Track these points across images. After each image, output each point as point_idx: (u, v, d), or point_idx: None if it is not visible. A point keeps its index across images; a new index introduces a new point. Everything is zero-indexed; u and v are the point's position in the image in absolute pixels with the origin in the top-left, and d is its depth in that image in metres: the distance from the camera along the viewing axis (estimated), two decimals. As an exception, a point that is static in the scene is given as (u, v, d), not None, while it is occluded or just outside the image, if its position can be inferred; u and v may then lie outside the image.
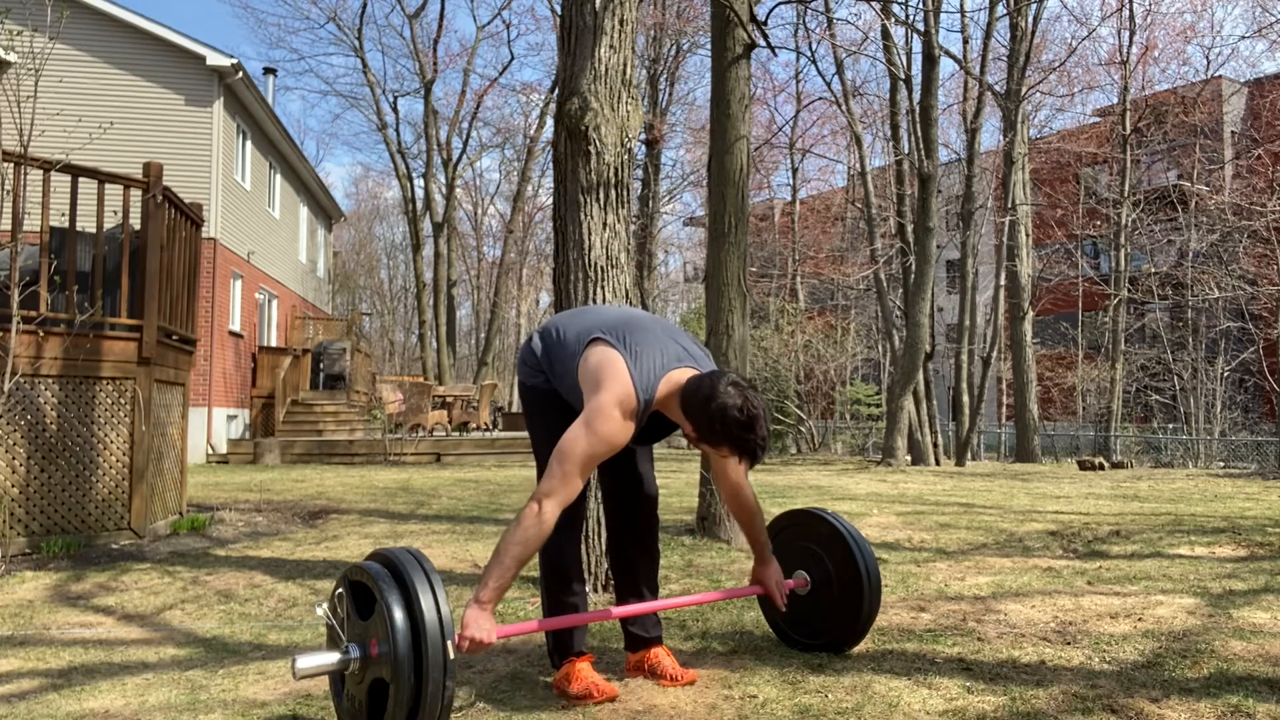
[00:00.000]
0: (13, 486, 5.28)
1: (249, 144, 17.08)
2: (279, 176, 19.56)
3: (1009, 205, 17.86)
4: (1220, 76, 26.15)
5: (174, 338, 6.32)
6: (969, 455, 17.28)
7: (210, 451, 14.66)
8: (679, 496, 7.22)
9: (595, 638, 3.28)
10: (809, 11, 18.34)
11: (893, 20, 16.07)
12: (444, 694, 2.11)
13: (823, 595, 3.02)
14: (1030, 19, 17.82)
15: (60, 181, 5.48)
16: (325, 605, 2.39)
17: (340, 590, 2.35)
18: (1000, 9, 16.84)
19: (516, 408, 37.70)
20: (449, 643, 2.13)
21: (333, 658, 2.26)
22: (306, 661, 2.21)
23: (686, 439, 2.66)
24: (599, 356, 2.55)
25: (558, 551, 2.73)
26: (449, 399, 18.87)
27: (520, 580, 4.41)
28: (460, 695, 2.67)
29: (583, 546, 2.92)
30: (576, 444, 2.44)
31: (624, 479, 2.88)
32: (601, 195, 4.14)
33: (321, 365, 19.02)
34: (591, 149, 4.10)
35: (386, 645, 2.14)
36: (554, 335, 2.77)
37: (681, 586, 4.23)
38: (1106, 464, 14.11)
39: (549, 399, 2.79)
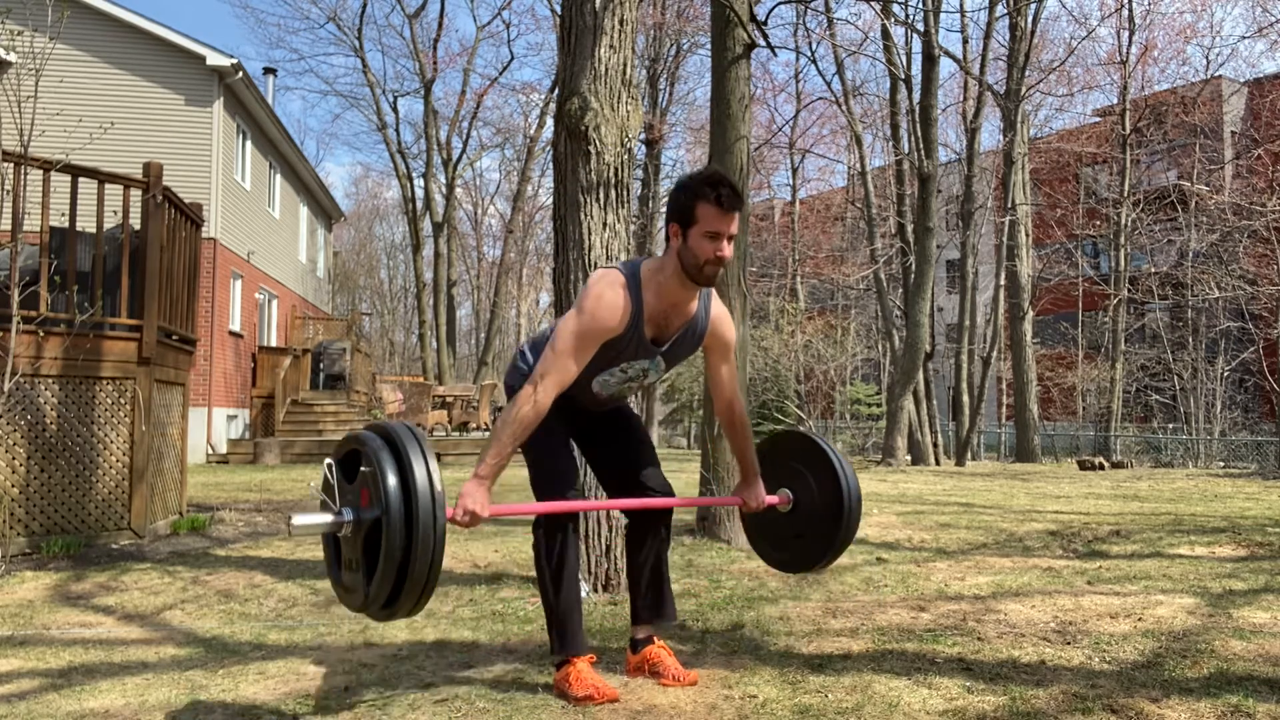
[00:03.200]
0: (13, 486, 5.28)
1: (249, 144, 17.08)
2: (279, 176, 19.56)
3: (1009, 205, 17.86)
4: (1220, 76, 26.13)
5: (174, 338, 6.32)
6: (969, 455, 17.28)
7: (210, 451, 14.66)
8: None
9: (595, 637, 3.28)
10: (809, 11, 18.35)
11: (893, 20, 16.07)
12: (435, 542, 2.16)
13: (804, 514, 3.05)
14: (1030, 19, 17.82)
15: (60, 181, 5.48)
16: (317, 483, 2.46)
17: (330, 462, 2.41)
18: (1000, 9, 16.85)
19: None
20: (435, 475, 2.19)
21: (326, 517, 2.33)
22: (302, 519, 2.29)
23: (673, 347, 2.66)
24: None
25: (555, 549, 2.71)
26: (449, 399, 18.88)
27: (520, 581, 4.41)
28: (460, 695, 2.68)
29: (582, 545, 2.92)
30: (566, 324, 2.53)
31: (630, 476, 2.86)
32: (601, 195, 4.14)
33: (321, 365, 19.02)
34: (591, 149, 4.10)
35: (377, 500, 2.19)
36: (539, 336, 2.85)
37: (681, 586, 4.23)
38: (1106, 464, 14.11)
39: None
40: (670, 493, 2.88)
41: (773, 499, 3.02)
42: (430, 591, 2.23)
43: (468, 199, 39.32)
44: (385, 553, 2.17)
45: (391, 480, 2.18)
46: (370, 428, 2.37)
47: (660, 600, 2.88)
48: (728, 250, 2.50)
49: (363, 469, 2.28)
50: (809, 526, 3.03)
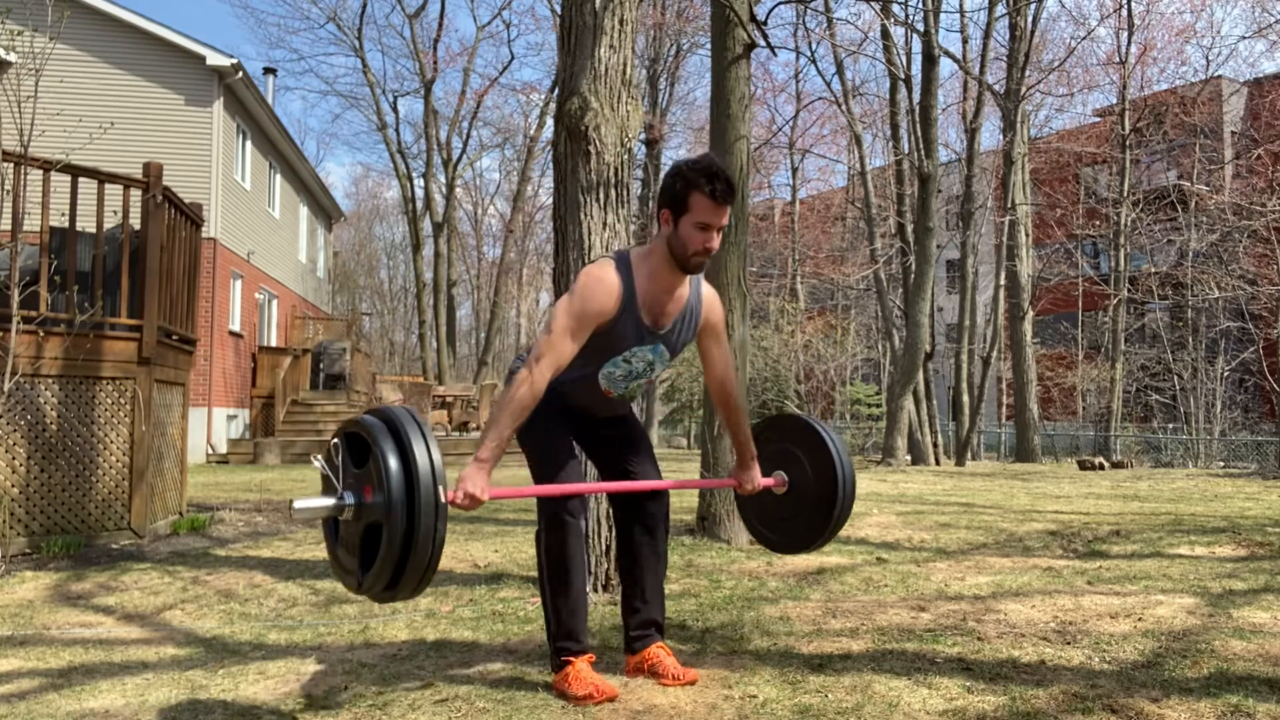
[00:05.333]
0: (13, 486, 5.28)
1: (249, 144, 17.08)
2: (279, 176, 19.55)
3: (1009, 205, 17.87)
4: (1220, 76, 26.13)
5: (174, 338, 6.32)
6: (969, 455, 17.28)
7: (210, 451, 14.66)
8: (679, 496, 7.22)
9: (595, 637, 3.27)
10: (809, 11, 18.35)
11: (892, 20, 16.07)
12: (435, 535, 2.18)
13: (798, 497, 3.07)
14: (1029, 19, 17.83)
15: (60, 181, 5.48)
16: (320, 457, 2.45)
17: (336, 441, 2.40)
18: (999, 9, 16.85)
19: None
20: (440, 487, 2.19)
21: (328, 501, 2.33)
22: (304, 503, 2.29)
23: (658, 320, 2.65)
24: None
25: (560, 547, 2.70)
26: (449, 399, 18.88)
27: (520, 581, 4.41)
28: (460, 695, 2.68)
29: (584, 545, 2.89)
30: (560, 306, 2.56)
31: (631, 479, 2.88)
32: (601, 195, 4.14)
33: (321, 365, 19.03)
34: (591, 149, 4.10)
35: (380, 489, 2.19)
36: None
37: (681, 587, 4.23)
38: (1106, 464, 14.11)
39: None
40: (666, 496, 2.89)
41: (768, 481, 3.04)
42: (429, 579, 2.24)
43: (468, 199, 39.35)
44: (386, 543, 2.18)
45: (394, 468, 2.18)
46: (373, 412, 2.38)
47: (654, 620, 2.85)
48: (716, 241, 2.57)
49: (364, 467, 2.28)
50: (803, 509, 3.06)
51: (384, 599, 2.30)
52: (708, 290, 2.81)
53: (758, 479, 2.97)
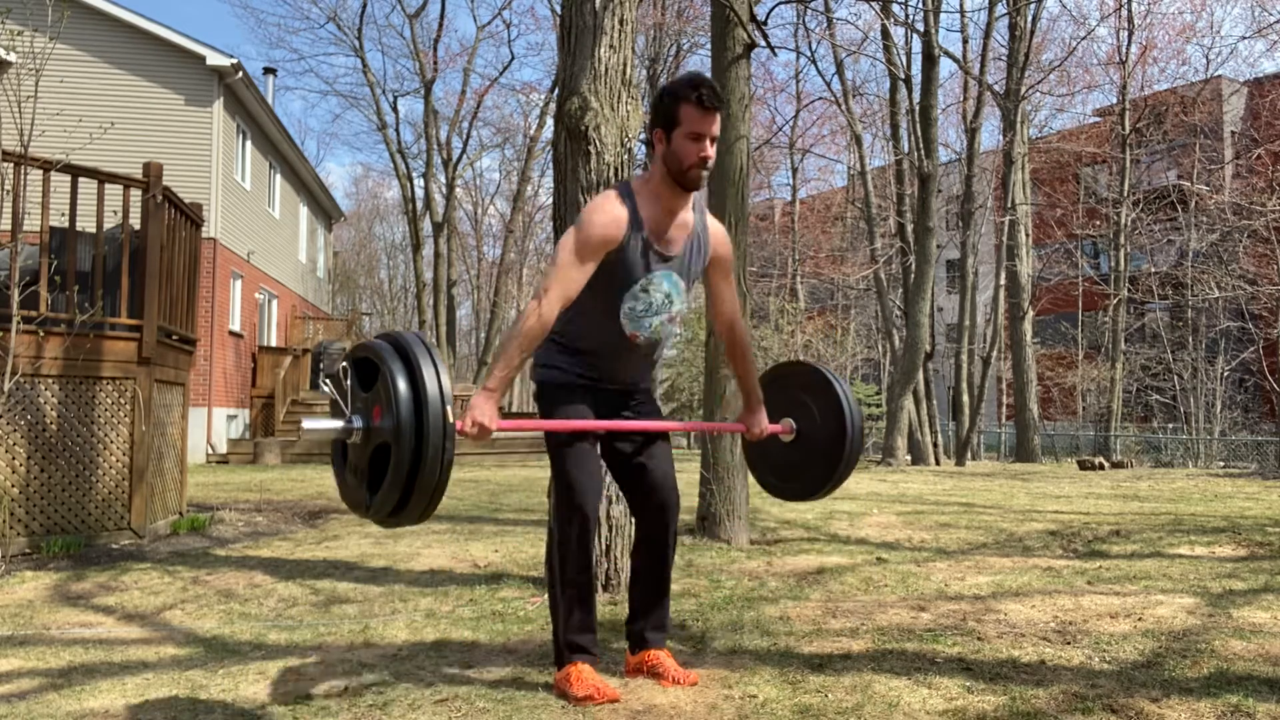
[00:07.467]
0: (13, 486, 5.28)
1: (249, 144, 17.07)
2: (279, 176, 19.55)
3: (1009, 205, 17.87)
4: (1220, 76, 26.13)
5: (174, 338, 6.32)
6: (969, 455, 17.28)
7: (210, 451, 14.65)
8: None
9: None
10: (809, 11, 18.35)
11: (893, 20, 16.08)
12: (443, 455, 2.18)
13: (806, 444, 3.06)
14: (1029, 19, 17.83)
15: (60, 181, 5.48)
16: (329, 380, 2.44)
17: (344, 364, 2.40)
18: (1000, 9, 16.85)
19: (516, 408, 37.76)
20: (449, 408, 2.19)
21: (336, 423, 2.34)
22: (313, 424, 2.31)
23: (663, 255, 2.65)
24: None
25: (576, 545, 2.66)
26: (449, 399, 18.86)
27: (520, 580, 4.41)
28: (460, 695, 2.68)
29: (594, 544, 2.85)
30: (566, 238, 2.56)
31: (644, 480, 2.83)
32: (601, 195, 4.13)
33: (321, 365, 19.02)
34: (591, 149, 4.10)
35: (388, 410, 2.19)
36: None
37: (681, 586, 4.23)
38: (1106, 464, 14.11)
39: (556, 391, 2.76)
40: (677, 502, 2.83)
41: (775, 427, 3.03)
42: (437, 502, 2.23)
43: (468, 199, 39.33)
44: (394, 464, 2.17)
45: (403, 389, 2.18)
46: (382, 336, 2.37)
47: (658, 618, 2.85)
48: (711, 151, 2.57)
49: (372, 389, 2.28)
50: (811, 456, 3.05)
51: (390, 524, 2.29)
52: (714, 223, 2.82)
53: (764, 424, 2.96)
